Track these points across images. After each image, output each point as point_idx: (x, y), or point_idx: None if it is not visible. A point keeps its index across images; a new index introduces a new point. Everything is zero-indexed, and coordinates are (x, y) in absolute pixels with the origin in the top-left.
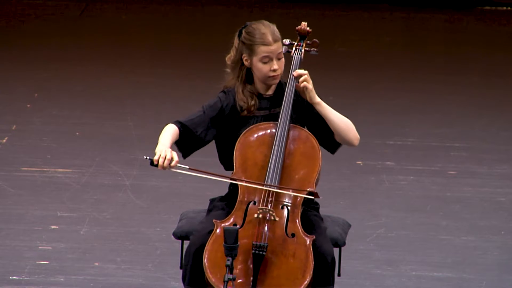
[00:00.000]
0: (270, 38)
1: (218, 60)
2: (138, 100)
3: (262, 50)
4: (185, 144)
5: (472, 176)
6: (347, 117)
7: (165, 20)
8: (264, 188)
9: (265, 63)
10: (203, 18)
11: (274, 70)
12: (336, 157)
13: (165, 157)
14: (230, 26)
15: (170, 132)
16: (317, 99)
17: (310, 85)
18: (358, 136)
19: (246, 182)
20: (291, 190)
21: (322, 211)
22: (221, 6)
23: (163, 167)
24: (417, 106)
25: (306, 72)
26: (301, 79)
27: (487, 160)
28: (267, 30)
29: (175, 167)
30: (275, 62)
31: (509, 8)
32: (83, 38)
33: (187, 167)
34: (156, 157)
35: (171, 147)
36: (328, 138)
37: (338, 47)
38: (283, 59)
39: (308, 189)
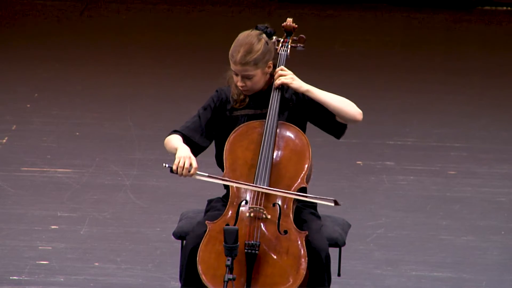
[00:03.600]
0: (237, 59)
1: (218, 60)
2: (138, 100)
3: (231, 63)
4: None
5: (472, 176)
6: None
7: (165, 20)
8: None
9: (234, 74)
10: (203, 18)
11: (241, 86)
12: (336, 157)
13: (183, 166)
14: (230, 26)
15: (179, 138)
16: (305, 87)
17: (287, 79)
18: (360, 110)
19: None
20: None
21: (322, 211)
22: (221, 6)
23: (183, 175)
24: (417, 106)
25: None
26: (275, 76)
27: (487, 160)
28: (242, 49)
29: (195, 174)
30: (239, 78)
31: (509, 8)
32: (83, 38)
33: (206, 174)
34: (174, 167)
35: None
36: (331, 123)
37: (338, 47)
38: (255, 79)
39: (300, 186)
